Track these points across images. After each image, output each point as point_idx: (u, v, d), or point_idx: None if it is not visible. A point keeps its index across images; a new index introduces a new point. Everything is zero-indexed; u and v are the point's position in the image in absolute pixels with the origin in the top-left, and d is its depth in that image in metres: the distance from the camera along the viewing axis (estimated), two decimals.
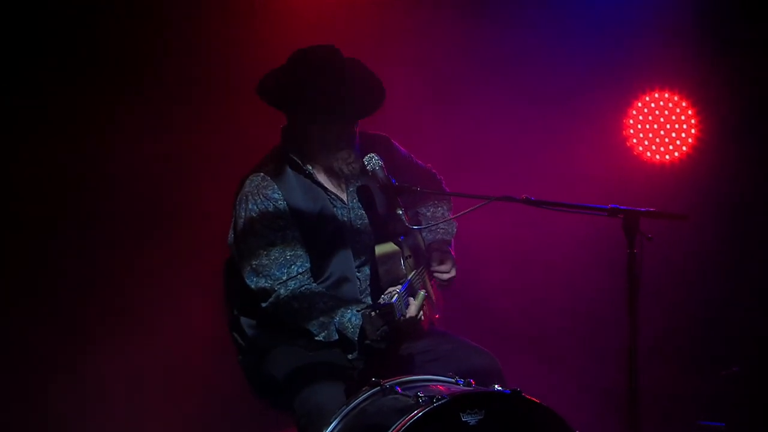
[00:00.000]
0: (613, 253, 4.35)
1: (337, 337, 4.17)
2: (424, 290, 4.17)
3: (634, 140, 6.58)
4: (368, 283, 4.43)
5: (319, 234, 4.35)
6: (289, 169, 4.36)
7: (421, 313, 4.11)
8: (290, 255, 4.26)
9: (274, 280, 4.22)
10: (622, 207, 3.89)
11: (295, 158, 4.38)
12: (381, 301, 3.92)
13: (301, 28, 5.71)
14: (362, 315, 3.93)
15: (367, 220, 4.46)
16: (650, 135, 6.56)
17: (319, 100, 4.26)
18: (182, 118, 5.89)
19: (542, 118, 6.44)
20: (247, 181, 4.36)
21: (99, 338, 5.75)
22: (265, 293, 4.24)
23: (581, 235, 6.26)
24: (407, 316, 4.01)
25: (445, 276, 4.61)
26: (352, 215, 4.45)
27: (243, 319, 4.40)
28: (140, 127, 5.83)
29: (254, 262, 4.24)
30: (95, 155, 5.79)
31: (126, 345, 5.75)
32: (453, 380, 4.06)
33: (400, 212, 4.26)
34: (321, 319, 4.18)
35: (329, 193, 4.41)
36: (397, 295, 3.92)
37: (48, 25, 5.66)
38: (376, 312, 3.86)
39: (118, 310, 5.85)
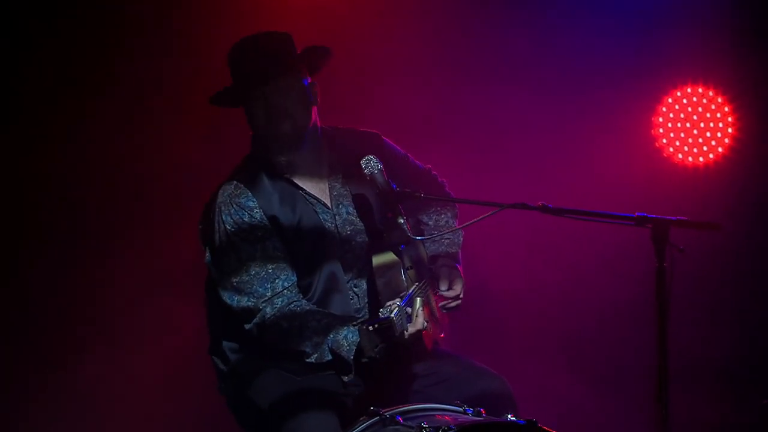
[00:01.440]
0: (641, 266, 4.31)
1: (330, 357, 4.10)
2: (421, 298, 4.11)
3: (664, 140, 6.53)
4: (366, 299, 4.37)
5: (301, 244, 4.29)
6: (263, 175, 4.32)
7: (425, 322, 4.04)
8: (272, 268, 4.21)
9: (258, 298, 4.17)
10: (650, 215, 3.84)
11: (265, 160, 4.32)
12: (380, 314, 3.86)
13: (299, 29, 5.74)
14: (359, 330, 3.86)
15: (357, 227, 4.39)
16: (681, 135, 6.50)
17: (236, 76, 4.25)
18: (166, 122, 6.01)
19: (560, 117, 6.42)
20: (219, 191, 4.31)
21: (89, 344, 5.88)
22: (249, 313, 4.18)
23: (604, 247, 6.26)
24: (408, 331, 3.94)
25: (453, 304, 4.54)
26: (338, 221, 4.38)
27: (225, 343, 4.35)
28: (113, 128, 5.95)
29: (234, 280, 4.19)
30: (73, 156, 5.91)
31: (117, 350, 5.90)
32: (461, 409, 3.98)
33: (402, 221, 4.21)
34: (314, 338, 4.12)
35: (309, 196, 4.35)
36: (397, 308, 3.87)
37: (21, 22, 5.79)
38: (374, 326, 3.81)
39: (100, 321, 5.95)
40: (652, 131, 6.53)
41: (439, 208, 4.70)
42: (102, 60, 5.91)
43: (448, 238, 4.68)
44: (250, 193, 4.26)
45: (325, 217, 4.36)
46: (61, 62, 5.87)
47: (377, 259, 4.26)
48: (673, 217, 3.85)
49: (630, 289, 6.18)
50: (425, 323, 4.07)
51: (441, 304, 4.55)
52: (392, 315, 3.82)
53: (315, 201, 4.35)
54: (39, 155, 5.85)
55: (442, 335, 4.58)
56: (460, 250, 4.73)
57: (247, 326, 4.20)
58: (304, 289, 4.27)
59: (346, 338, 4.09)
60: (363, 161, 4.23)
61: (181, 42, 5.98)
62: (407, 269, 4.29)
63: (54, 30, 5.83)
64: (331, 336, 4.10)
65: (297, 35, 4.41)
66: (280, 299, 4.17)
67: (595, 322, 6.42)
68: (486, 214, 4.12)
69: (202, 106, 4.52)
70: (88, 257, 5.94)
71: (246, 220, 4.21)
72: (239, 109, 4.42)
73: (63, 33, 5.86)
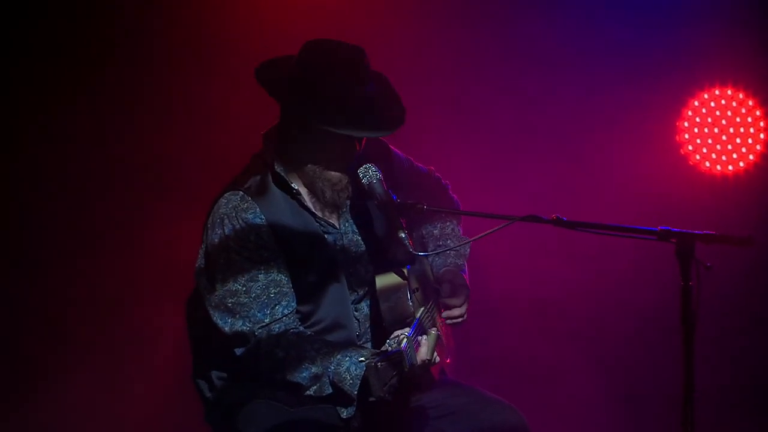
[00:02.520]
0: (664, 284, 4.31)
1: (330, 390, 4.02)
2: (435, 329, 4.03)
3: (690, 147, 6.49)
4: (368, 324, 4.31)
5: (309, 267, 4.20)
6: (274, 186, 4.21)
7: (436, 355, 3.95)
8: (275, 293, 4.11)
9: (255, 323, 4.07)
10: (674, 229, 3.79)
11: (280, 172, 4.23)
12: (387, 347, 3.80)
13: (299, 28, 5.73)
14: (367, 366, 3.74)
15: (361, 246, 4.33)
16: (709, 141, 6.46)
17: (333, 102, 4.09)
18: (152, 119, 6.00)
19: (576, 122, 6.40)
20: (223, 201, 4.18)
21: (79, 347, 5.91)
22: (243, 338, 4.08)
23: (623, 265, 6.24)
24: (418, 362, 3.84)
25: (455, 312, 4.48)
26: (345, 241, 4.32)
27: (211, 368, 4.28)
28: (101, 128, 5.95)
29: (230, 301, 4.08)
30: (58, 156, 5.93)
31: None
32: None
33: (403, 235, 4.11)
34: (313, 369, 4.02)
35: (318, 219, 4.26)
36: (406, 339, 3.77)
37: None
38: (383, 362, 3.70)
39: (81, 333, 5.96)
40: (677, 137, 6.49)
41: (443, 216, 4.66)
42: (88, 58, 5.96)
43: (455, 250, 4.64)
44: (258, 209, 4.15)
45: (335, 238, 4.29)
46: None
47: (381, 281, 4.19)
48: (700, 231, 3.79)
49: (653, 310, 6.17)
50: (437, 358, 3.98)
51: (445, 314, 4.50)
52: (402, 348, 3.73)
53: (324, 223, 4.28)
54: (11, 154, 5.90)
55: (448, 360, 4.53)
56: (466, 262, 4.69)
57: (238, 351, 4.12)
58: (305, 314, 4.20)
59: (349, 371, 3.99)
60: (360, 170, 4.17)
61: (167, 41, 6.01)
62: (414, 291, 4.23)
63: (41, 26, 5.87)
64: (332, 368, 4.01)
65: (297, 34, 4.36)
66: (277, 326, 4.09)
67: (615, 345, 6.39)
68: (495, 228, 4.07)
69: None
70: (62, 265, 5.96)
71: (252, 239, 4.11)
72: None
73: (48, 28, 5.89)
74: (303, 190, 4.25)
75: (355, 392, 3.95)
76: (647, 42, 6.38)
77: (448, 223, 4.66)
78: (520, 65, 6.41)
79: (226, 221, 4.13)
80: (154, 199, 5.97)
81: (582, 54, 6.40)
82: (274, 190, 4.20)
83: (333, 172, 4.18)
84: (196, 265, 4.24)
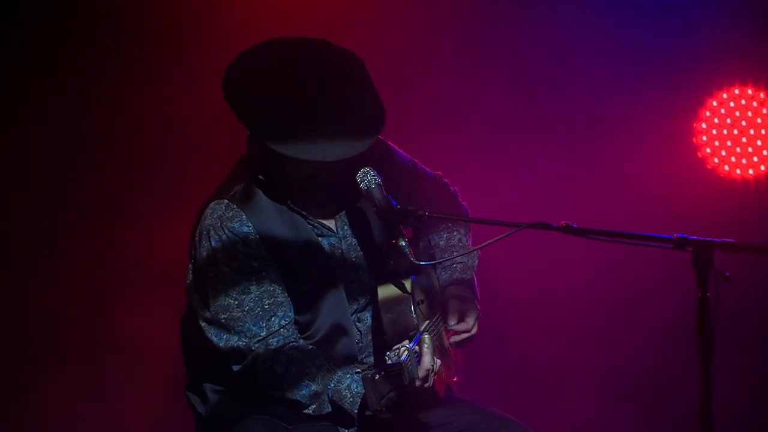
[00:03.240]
0: (680, 295, 4.26)
1: (330, 409, 3.99)
2: (429, 334, 3.98)
3: (707, 150, 6.46)
4: (370, 336, 4.28)
5: (304, 275, 4.18)
6: (260, 192, 4.17)
7: (438, 363, 3.94)
8: (269, 304, 4.09)
9: (251, 338, 4.06)
10: (691, 237, 3.76)
11: (263, 177, 4.19)
12: (386, 359, 3.74)
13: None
14: (363, 378, 3.72)
15: (361, 253, 4.29)
16: (728, 143, 6.44)
17: (284, 122, 4.02)
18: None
19: (587, 124, 6.38)
20: (208, 211, 4.16)
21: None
22: (239, 354, 4.07)
23: (637, 274, 6.24)
24: (420, 375, 3.81)
25: (464, 336, 4.44)
26: (344, 246, 4.28)
27: (206, 382, 4.26)
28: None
29: (223, 316, 4.07)
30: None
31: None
32: None
33: (404, 244, 4.07)
34: (312, 387, 4.01)
35: (311, 221, 4.23)
36: (407, 352, 3.72)
37: None
38: (381, 375, 3.66)
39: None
40: (694, 139, 6.47)
41: (450, 225, 4.61)
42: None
43: (462, 262, 4.59)
44: (244, 216, 4.12)
45: (331, 242, 4.26)
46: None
47: (384, 292, 4.16)
48: (718, 239, 3.76)
49: (669, 321, 6.18)
50: (438, 364, 3.97)
51: (452, 338, 4.45)
52: (402, 360, 3.68)
53: (319, 226, 4.24)
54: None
55: (455, 379, 4.50)
56: (475, 274, 4.64)
57: (236, 368, 4.10)
58: (304, 326, 4.18)
59: (350, 388, 3.97)
60: (358, 174, 4.10)
61: (144, 39, 6.05)
62: (418, 304, 4.18)
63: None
64: (332, 385, 3.99)
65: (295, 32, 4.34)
66: (275, 339, 4.06)
67: (629, 358, 6.37)
68: (502, 235, 4.04)
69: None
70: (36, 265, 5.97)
71: (240, 249, 4.08)
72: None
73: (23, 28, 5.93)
74: (292, 194, 4.22)
75: (356, 411, 3.92)
76: (661, 38, 6.38)
77: (455, 233, 4.62)
78: (529, 63, 6.41)
79: (212, 232, 4.11)
80: (132, 199, 6.01)
81: (593, 52, 6.41)
82: (261, 196, 4.17)
83: (316, 193, 4.18)
84: (187, 281, 4.22)
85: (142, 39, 5.99)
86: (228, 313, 4.06)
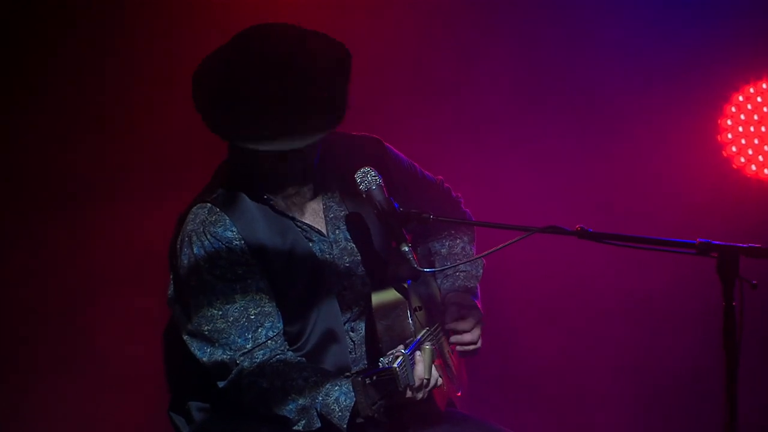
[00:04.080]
0: (703, 303, 4.21)
1: (320, 424, 3.98)
2: (431, 345, 3.98)
3: (733, 148, 6.46)
4: (364, 347, 4.25)
5: (293, 282, 4.15)
6: (244, 195, 4.15)
7: (437, 376, 3.94)
8: (255, 314, 4.06)
9: (236, 350, 4.03)
10: (715, 242, 3.71)
11: (246, 180, 4.18)
12: (379, 364, 3.73)
13: None
14: (353, 382, 3.75)
15: (357, 257, 4.26)
16: (755, 141, 6.42)
17: (234, 116, 4.02)
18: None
19: (603, 121, 6.40)
20: (190, 216, 4.14)
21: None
22: (224, 369, 4.04)
23: (658, 282, 6.25)
24: (415, 384, 3.82)
25: (466, 338, 4.39)
26: (335, 251, 4.24)
27: (191, 401, 4.25)
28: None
29: (206, 328, 4.04)
30: None
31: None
32: None
33: (407, 249, 4.04)
34: (300, 401, 3.99)
35: (299, 224, 4.21)
36: (401, 356, 3.73)
37: None
38: (371, 379, 3.67)
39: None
40: (719, 137, 6.48)
41: (453, 232, 4.59)
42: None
43: (465, 270, 4.57)
44: (228, 220, 4.10)
45: (322, 247, 4.23)
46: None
47: (378, 298, 4.13)
48: (745, 244, 3.71)
49: (691, 331, 6.21)
50: (437, 378, 3.96)
51: (453, 339, 4.43)
52: (395, 365, 3.68)
53: (308, 228, 4.21)
54: None
55: (459, 393, 4.47)
56: (479, 284, 4.61)
57: (220, 384, 4.07)
58: (293, 336, 4.15)
59: (338, 401, 3.95)
60: (358, 174, 4.08)
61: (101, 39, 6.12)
62: (415, 310, 4.16)
63: None
64: (320, 398, 3.98)
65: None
66: (261, 352, 4.04)
67: (649, 369, 6.40)
68: (511, 241, 3.99)
69: None
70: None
71: (224, 255, 4.06)
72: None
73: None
74: (278, 198, 4.20)
75: (345, 425, 3.91)
76: (683, 28, 6.40)
77: (458, 241, 4.60)
78: (545, 56, 6.46)
79: (194, 238, 4.08)
80: (111, 191, 6.06)
81: (610, 43, 6.44)
82: (245, 199, 4.14)
83: (288, 187, 4.15)
84: (168, 292, 4.19)
85: (122, 26, 6.06)
86: (211, 325, 4.03)
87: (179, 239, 4.14)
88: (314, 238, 4.22)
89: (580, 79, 6.42)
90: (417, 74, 6.35)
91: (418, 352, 3.87)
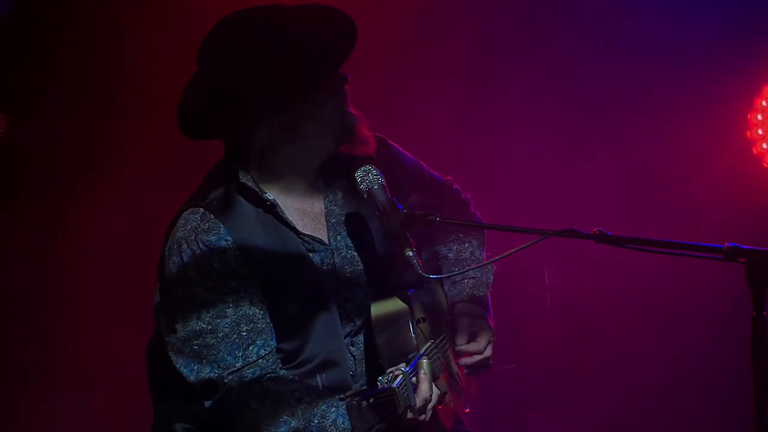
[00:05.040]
0: (731, 315, 4.50)
1: None
2: (436, 360, 3.96)
3: (764, 146, 6.52)
4: (365, 361, 4.18)
5: (290, 295, 4.07)
6: (241, 200, 4.08)
7: (439, 393, 3.91)
8: (247, 330, 3.98)
9: (224, 368, 3.96)
10: (744, 247, 3.66)
11: (247, 182, 4.12)
12: (377, 384, 3.69)
13: None
14: (348, 406, 3.69)
15: (358, 266, 4.20)
16: None
17: (303, 60, 4.00)
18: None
19: (623, 116, 6.48)
20: (180, 221, 4.06)
21: None
22: (212, 387, 3.97)
23: (682, 289, 6.32)
24: (417, 405, 3.77)
25: (476, 358, 4.38)
26: (337, 260, 4.18)
27: (176, 422, 4.17)
28: None
29: (195, 343, 3.97)
30: None
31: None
32: None
33: (411, 254, 3.95)
34: (292, 423, 3.93)
35: (301, 235, 4.13)
36: (402, 375, 3.68)
37: None
38: (368, 401, 3.60)
39: None
40: (748, 133, 6.55)
41: (461, 236, 4.55)
42: None
43: (474, 277, 4.53)
44: (222, 228, 4.02)
45: (323, 257, 4.16)
46: None
47: (377, 309, 4.08)
48: None
49: (717, 345, 6.27)
50: (444, 395, 3.98)
51: (462, 361, 4.42)
52: (394, 385, 3.62)
53: (309, 239, 4.15)
54: None
55: (467, 410, 4.44)
56: (489, 292, 4.58)
57: (207, 404, 4.00)
58: (290, 354, 4.06)
59: (336, 424, 3.90)
60: (358, 173, 4.03)
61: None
62: (418, 321, 4.12)
63: None
64: (316, 421, 3.91)
65: None
66: (251, 370, 3.97)
67: (667, 389, 6.45)
68: (524, 245, 3.92)
69: None
70: None
71: (216, 266, 3.99)
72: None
73: None
74: (282, 200, 4.14)
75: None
76: (710, 22, 6.44)
77: (466, 245, 4.56)
78: (565, 52, 6.54)
79: (185, 246, 4.00)
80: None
81: (631, 34, 6.52)
82: (242, 204, 4.07)
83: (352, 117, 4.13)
84: (155, 301, 4.11)
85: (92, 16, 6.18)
86: (200, 340, 3.95)
87: (168, 246, 4.05)
88: (316, 249, 4.16)
89: (601, 75, 6.48)
90: (424, 70, 6.46)
91: (422, 369, 3.84)
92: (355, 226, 4.23)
